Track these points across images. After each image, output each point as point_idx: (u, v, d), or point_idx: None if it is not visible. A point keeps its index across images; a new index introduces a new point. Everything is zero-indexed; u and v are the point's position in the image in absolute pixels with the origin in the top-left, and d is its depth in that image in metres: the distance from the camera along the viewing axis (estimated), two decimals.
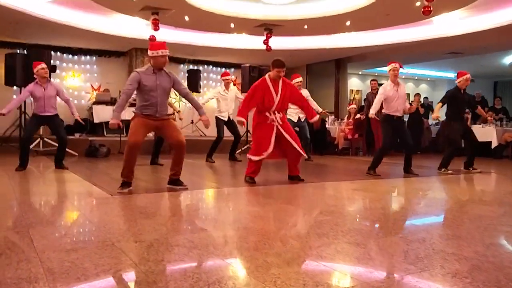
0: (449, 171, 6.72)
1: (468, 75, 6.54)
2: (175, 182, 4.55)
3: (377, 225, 3.09)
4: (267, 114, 5.10)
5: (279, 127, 5.12)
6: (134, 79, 4.33)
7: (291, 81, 6.92)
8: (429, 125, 12.36)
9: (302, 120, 8.13)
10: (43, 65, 6.12)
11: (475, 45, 10.20)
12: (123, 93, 4.37)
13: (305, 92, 8.20)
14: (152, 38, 8.85)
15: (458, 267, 2.09)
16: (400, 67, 6.16)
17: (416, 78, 16.88)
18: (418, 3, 7.42)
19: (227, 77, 8.25)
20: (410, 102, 12.49)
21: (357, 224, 3.09)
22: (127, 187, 4.28)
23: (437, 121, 12.78)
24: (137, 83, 4.32)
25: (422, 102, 11.69)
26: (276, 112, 5.14)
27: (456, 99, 6.55)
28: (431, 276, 1.97)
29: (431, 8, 6.69)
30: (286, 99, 5.22)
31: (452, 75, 16.52)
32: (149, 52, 4.40)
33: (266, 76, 5.18)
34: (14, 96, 10.82)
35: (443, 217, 3.53)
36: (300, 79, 8.19)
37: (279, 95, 5.09)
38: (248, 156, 5.20)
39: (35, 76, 6.14)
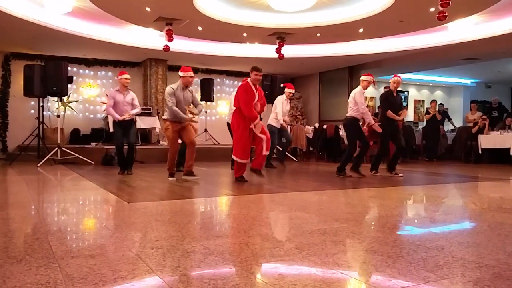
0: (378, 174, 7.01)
1: (396, 78, 6.91)
2: (189, 173, 5.97)
3: (393, 233, 3.06)
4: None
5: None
6: (172, 93, 5.82)
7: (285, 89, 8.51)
8: (445, 132, 12.22)
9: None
10: (127, 76, 6.94)
11: (491, 50, 10.08)
12: (172, 104, 5.79)
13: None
14: (166, 48, 8.94)
15: (479, 275, 2.05)
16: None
17: (431, 84, 16.72)
18: (432, 9, 7.37)
19: None
20: (427, 108, 12.39)
21: (374, 231, 3.06)
22: (174, 176, 6.00)
23: (453, 128, 12.66)
24: (174, 97, 5.80)
25: (438, 108, 11.55)
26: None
27: (392, 104, 6.91)
28: (452, 284, 1.93)
29: (446, 14, 6.64)
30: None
31: (468, 81, 16.36)
32: (180, 73, 5.95)
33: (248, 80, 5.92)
34: (32, 103, 11.05)
35: (462, 225, 3.48)
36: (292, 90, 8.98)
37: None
38: (237, 158, 5.84)
39: (118, 82, 7.00)
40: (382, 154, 7.25)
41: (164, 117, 6.06)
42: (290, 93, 8.83)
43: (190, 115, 5.99)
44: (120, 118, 6.67)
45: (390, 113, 6.80)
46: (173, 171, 6.10)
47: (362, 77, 7.03)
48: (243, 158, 5.83)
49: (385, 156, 7.53)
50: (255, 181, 6.02)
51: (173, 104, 5.78)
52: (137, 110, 6.97)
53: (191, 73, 5.94)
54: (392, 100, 6.89)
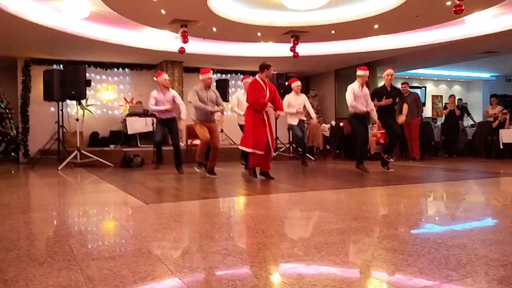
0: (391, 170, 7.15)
1: (389, 71, 7.12)
2: (211, 171, 6.53)
3: (414, 231, 3.02)
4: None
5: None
6: (195, 93, 6.41)
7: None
8: (465, 127, 12.03)
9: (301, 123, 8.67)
10: (166, 76, 7.43)
11: (510, 43, 9.89)
12: (195, 102, 6.36)
13: (304, 96, 8.84)
14: (182, 50, 9.00)
15: (504, 273, 2.01)
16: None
17: (449, 79, 16.48)
18: (449, 3, 7.26)
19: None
20: (445, 103, 12.23)
21: (393, 230, 3.02)
22: (203, 166, 6.59)
23: (473, 123, 12.45)
24: (197, 96, 6.35)
25: (456, 104, 11.37)
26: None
27: (379, 94, 7.12)
28: (475, 283, 1.89)
29: (463, 7, 6.53)
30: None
31: (487, 75, 16.06)
32: (200, 76, 6.57)
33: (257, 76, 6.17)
34: (52, 109, 11.26)
35: (484, 222, 3.42)
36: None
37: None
38: (247, 148, 6.04)
39: (157, 83, 7.45)
40: (393, 145, 7.44)
41: (192, 118, 6.62)
42: (296, 86, 8.70)
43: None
44: (163, 108, 7.17)
45: (376, 103, 7.05)
46: (202, 161, 6.59)
47: (358, 72, 7.07)
48: (258, 148, 5.95)
49: (394, 146, 7.68)
50: (272, 180, 6.02)
51: (195, 101, 6.32)
52: (183, 109, 7.36)
53: (209, 75, 6.45)
54: (380, 92, 7.15)
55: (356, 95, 6.91)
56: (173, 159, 7.44)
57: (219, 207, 4.21)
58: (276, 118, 6.77)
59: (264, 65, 6.12)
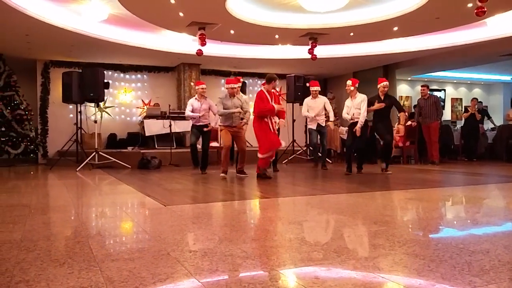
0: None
1: (384, 83, 7.48)
2: (241, 172, 7.01)
3: (435, 235, 2.97)
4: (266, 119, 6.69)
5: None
6: (220, 101, 6.97)
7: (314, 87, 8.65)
8: (485, 130, 11.82)
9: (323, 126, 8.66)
10: (203, 86, 7.84)
11: None
12: (218, 111, 7.02)
13: (323, 99, 8.77)
14: (199, 53, 9.03)
15: None
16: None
17: (469, 82, 16.23)
18: (470, 5, 7.15)
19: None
20: (466, 106, 12.02)
21: (414, 234, 2.97)
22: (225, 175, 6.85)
23: (493, 127, 12.23)
24: (221, 105, 6.89)
25: (477, 107, 11.17)
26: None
27: (370, 104, 7.42)
28: None
29: (485, 9, 6.42)
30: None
31: (508, 77, 15.77)
32: (226, 86, 7.06)
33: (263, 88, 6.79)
34: (71, 110, 11.42)
35: (507, 227, 3.34)
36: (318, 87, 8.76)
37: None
38: (262, 155, 6.62)
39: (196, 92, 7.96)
40: (390, 150, 7.79)
41: (219, 124, 7.32)
42: (314, 91, 8.59)
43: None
44: (197, 115, 7.64)
45: (369, 108, 7.35)
46: (225, 169, 6.91)
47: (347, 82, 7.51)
48: (272, 150, 6.75)
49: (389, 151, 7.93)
50: (291, 182, 6.00)
51: (219, 109, 6.92)
52: (214, 120, 7.92)
53: (232, 85, 6.92)
54: (372, 101, 7.44)
55: (347, 106, 7.47)
56: (190, 159, 8.09)
57: (237, 209, 4.20)
58: (278, 128, 7.15)
59: (272, 77, 6.76)
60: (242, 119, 7.04)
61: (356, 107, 7.29)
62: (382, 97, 7.49)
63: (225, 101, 6.93)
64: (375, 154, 9.85)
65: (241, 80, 8.20)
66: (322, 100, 8.62)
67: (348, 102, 7.44)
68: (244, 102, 7.06)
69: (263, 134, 6.64)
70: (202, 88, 7.80)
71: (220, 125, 7.14)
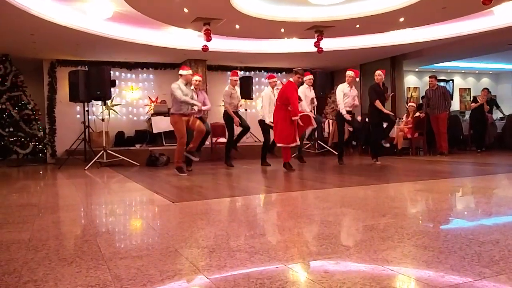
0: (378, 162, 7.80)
1: (379, 71, 7.76)
2: (191, 153, 7.03)
3: (444, 227, 2.94)
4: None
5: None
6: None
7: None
8: (494, 120, 11.69)
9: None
10: (198, 77, 7.54)
11: None
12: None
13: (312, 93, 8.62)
14: (205, 48, 9.01)
15: None
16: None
17: (477, 72, 16.06)
18: None
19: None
20: (474, 96, 11.88)
21: (423, 226, 2.95)
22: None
23: (502, 116, 12.09)
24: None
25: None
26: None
27: (378, 92, 7.72)
28: (510, 280, 1.82)
29: None
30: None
31: None
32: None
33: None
34: (78, 108, 11.48)
35: None
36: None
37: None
38: (283, 144, 6.71)
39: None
40: (379, 139, 8.01)
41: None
42: (308, 79, 8.26)
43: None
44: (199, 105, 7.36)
45: (378, 103, 7.58)
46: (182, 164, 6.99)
47: (347, 73, 7.77)
48: (291, 142, 6.74)
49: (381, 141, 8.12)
50: (299, 176, 5.98)
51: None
52: (205, 108, 7.63)
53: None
54: (379, 91, 7.68)
55: (345, 95, 7.67)
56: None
57: (245, 204, 4.20)
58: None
59: (300, 71, 6.87)
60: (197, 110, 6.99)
61: (353, 97, 7.65)
62: (381, 86, 7.78)
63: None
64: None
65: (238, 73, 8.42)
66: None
67: (346, 90, 7.67)
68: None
69: (288, 125, 6.67)
70: (195, 80, 7.37)
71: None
